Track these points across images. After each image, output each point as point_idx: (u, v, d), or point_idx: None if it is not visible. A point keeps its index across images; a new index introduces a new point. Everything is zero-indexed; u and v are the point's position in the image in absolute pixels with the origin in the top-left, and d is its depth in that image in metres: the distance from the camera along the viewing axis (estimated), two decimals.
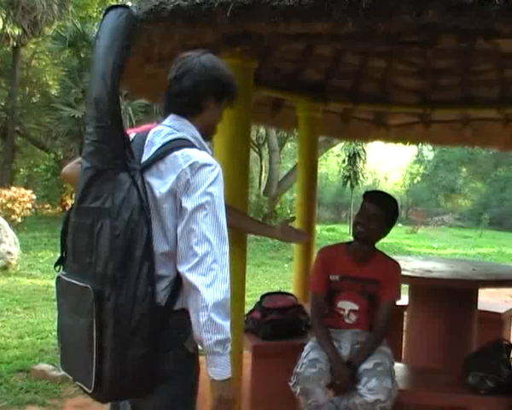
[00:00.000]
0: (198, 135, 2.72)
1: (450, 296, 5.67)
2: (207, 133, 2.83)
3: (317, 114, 7.38)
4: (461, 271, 6.22)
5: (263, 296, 5.75)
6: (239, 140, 4.55)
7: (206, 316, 2.40)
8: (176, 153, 2.56)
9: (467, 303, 5.93)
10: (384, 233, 4.54)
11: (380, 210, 4.42)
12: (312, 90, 7.21)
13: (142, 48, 4.31)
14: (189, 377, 2.70)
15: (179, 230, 2.51)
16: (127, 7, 2.62)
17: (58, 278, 2.67)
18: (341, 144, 27.68)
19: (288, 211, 24.37)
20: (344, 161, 30.77)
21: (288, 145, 30.36)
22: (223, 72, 2.80)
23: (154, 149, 2.64)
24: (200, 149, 2.65)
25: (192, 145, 2.63)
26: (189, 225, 2.48)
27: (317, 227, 21.89)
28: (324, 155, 30.03)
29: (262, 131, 25.01)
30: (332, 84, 7.34)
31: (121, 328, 2.39)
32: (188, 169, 2.51)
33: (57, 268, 2.75)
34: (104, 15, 2.66)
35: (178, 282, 2.55)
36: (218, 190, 2.54)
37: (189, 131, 2.69)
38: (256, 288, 11.92)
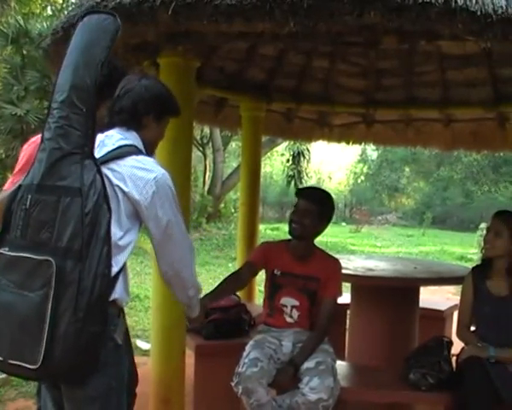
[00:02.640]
0: (143, 148, 2.91)
1: (392, 294, 5.71)
2: (150, 148, 3.02)
3: (261, 114, 7.39)
4: (403, 269, 6.28)
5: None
6: (181, 139, 4.54)
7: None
8: (134, 157, 2.77)
9: (408, 301, 5.99)
10: (320, 229, 4.55)
11: (312, 205, 4.43)
12: (256, 89, 7.22)
13: None
14: (120, 369, 2.78)
15: (159, 237, 2.83)
16: (113, 14, 2.76)
17: None
18: (285, 144, 27.68)
19: (232, 210, 24.37)
20: (288, 161, 30.82)
21: (233, 144, 30.29)
22: (162, 92, 3.06)
23: (106, 149, 2.78)
24: None
25: (143, 154, 2.84)
26: (165, 230, 2.81)
27: (262, 226, 21.99)
28: (269, 154, 30.01)
29: (206, 130, 24.88)
30: (275, 83, 7.36)
31: (82, 302, 2.44)
32: (153, 184, 2.73)
33: None
34: (83, 17, 2.78)
35: (117, 275, 2.67)
36: (175, 196, 2.85)
37: (135, 141, 2.89)
38: None
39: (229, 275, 4.70)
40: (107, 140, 2.82)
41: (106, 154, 2.74)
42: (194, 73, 4.76)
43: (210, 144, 25.81)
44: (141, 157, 2.78)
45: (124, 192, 2.68)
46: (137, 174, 2.70)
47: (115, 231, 2.63)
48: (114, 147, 2.78)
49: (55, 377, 2.68)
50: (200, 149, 26.61)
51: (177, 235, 2.86)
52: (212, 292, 4.34)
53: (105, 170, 2.66)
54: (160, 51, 4.54)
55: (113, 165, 2.70)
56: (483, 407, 4.08)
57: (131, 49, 4.56)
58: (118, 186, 2.67)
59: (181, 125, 4.47)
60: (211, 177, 25.57)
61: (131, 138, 2.87)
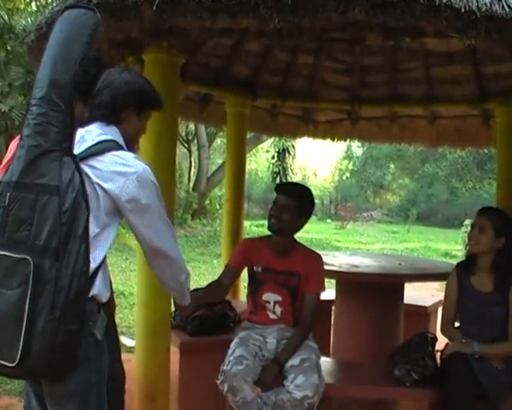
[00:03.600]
0: (123, 143, 2.89)
1: (377, 291, 5.73)
2: (130, 142, 3.02)
3: (246, 110, 7.39)
4: (387, 265, 6.30)
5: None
6: (165, 135, 4.53)
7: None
8: (114, 152, 2.75)
9: (393, 297, 6.00)
10: (300, 224, 4.55)
11: (291, 200, 4.42)
12: (241, 85, 7.22)
13: None
14: (100, 364, 2.78)
15: (143, 228, 2.82)
16: (92, 9, 2.76)
17: None
18: (271, 140, 27.75)
19: (217, 207, 24.35)
20: (273, 157, 30.95)
21: (218, 141, 30.26)
22: (142, 85, 3.05)
23: (86, 145, 2.76)
24: None
25: (123, 149, 2.82)
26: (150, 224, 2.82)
27: (247, 223, 21.99)
28: (254, 150, 30.05)
29: (191, 126, 24.87)
30: (260, 80, 7.36)
31: (59, 300, 2.44)
32: (135, 180, 2.72)
33: None
34: (63, 11, 2.77)
35: (97, 271, 2.67)
36: (158, 190, 2.85)
37: (115, 136, 2.87)
38: None
39: (210, 283, 4.73)
40: (87, 135, 2.81)
41: (85, 150, 2.73)
42: (179, 69, 4.74)
43: (195, 141, 25.78)
44: (120, 152, 2.77)
45: (104, 189, 2.67)
46: (117, 170, 2.68)
47: (92, 228, 2.62)
48: (94, 143, 2.77)
49: (34, 375, 2.69)
50: (186, 145, 26.60)
51: (161, 224, 2.87)
52: (197, 291, 4.34)
53: (85, 167, 2.65)
54: (144, 47, 4.53)
55: (92, 161, 2.69)
56: (467, 402, 4.09)
57: (116, 46, 4.55)
58: (97, 184, 2.66)
59: (165, 121, 4.47)
60: (196, 173, 25.55)
61: (111, 133, 2.86)
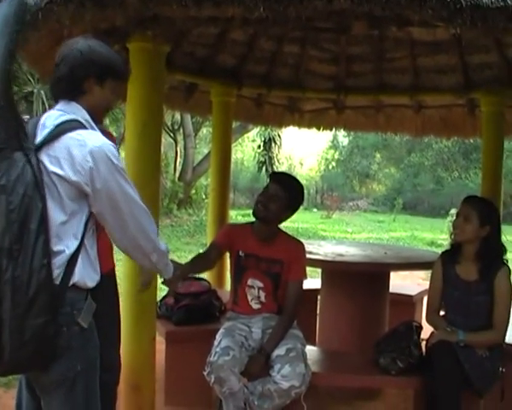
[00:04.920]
0: (88, 117, 2.80)
1: (363, 280, 5.74)
2: (97, 115, 2.93)
3: (231, 99, 7.38)
4: (373, 254, 6.31)
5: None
6: (150, 124, 4.50)
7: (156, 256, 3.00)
8: (69, 134, 2.65)
9: (379, 286, 6.02)
10: (284, 217, 4.54)
11: (282, 191, 4.41)
12: (226, 74, 7.20)
13: (52, 30, 4.20)
14: (87, 352, 2.75)
15: (107, 208, 2.72)
16: None
17: None
18: (257, 130, 27.69)
19: (203, 196, 24.32)
20: (259, 147, 30.87)
21: (204, 130, 30.18)
22: (100, 53, 2.87)
23: (46, 132, 2.69)
24: (91, 129, 2.76)
25: (83, 126, 2.73)
26: (108, 205, 2.72)
27: (233, 212, 21.97)
28: (240, 140, 30.04)
29: (177, 116, 24.79)
30: (246, 69, 7.34)
31: (19, 298, 2.46)
32: (89, 157, 2.62)
33: None
34: None
35: (74, 258, 2.64)
36: (117, 168, 2.72)
37: (79, 113, 2.78)
38: None
39: (196, 256, 4.68)
40: (48, 121, 2.74)
41: (44, 137, 2.67)
42: (164, 57, 4.72)
43: (181, 130, 25.73)
44: (76, 132, 2.66)
45: (60, 177, 2.61)
46: (72, 153, 2.61)
47: (57, 217, 2.60)
48: (53, 127, 2.70)
49: (14, 371, 2.72)
50: (171, 135, 26.54)
51: (123, 204, 2.75)
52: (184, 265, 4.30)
53: (42, 156, 2.62)
54: (129, 36, 4.50)
55: (49, 149, 2.63)
56: (452, 390, 4.12)
57: (100, 35, 4.51)
58: (53, 172, 2.61)
59: (150, 110, 4.46)
60: (182, 163, 25.50)
61: (73, 111, 2.77)
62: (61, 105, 2.81)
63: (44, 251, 2.51)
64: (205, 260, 4.61)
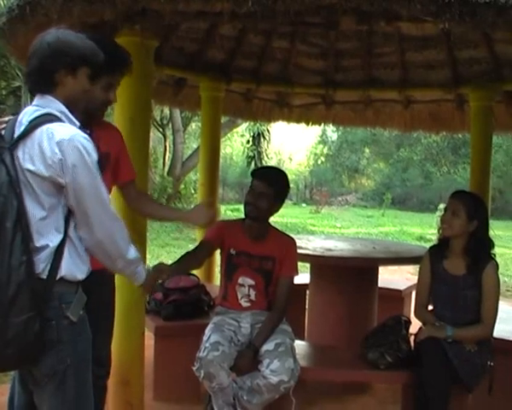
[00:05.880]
0: (64, 109, 2.77)
1: (351, 274, 5.75)
2: (76, 106, 2.86)
3: (220, 94, 7.37)
4: (361, 249, 6.31)
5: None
6: (139, 119, 4.48)
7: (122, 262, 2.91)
8: (40, 128, 2.63)
9: (367, 281, 6.03)
10: (275, 209, 4.54)
11: (267, 187, 4.40)
12: (215, 69, 7.19)
13: (40, 24, 4.18)
14: (77, 346, 2.75)
15: (74, 202, 2.67)
16: None
17: None
18: (246, 125, 27.68)
19: (192, 191, 24.29)
20: (248, 142, 30.88)
21: (193, 125, 30.10)
22: (71, 44, 2.80)
23: (22, 128, 2.68)
24: (67, 122, 2.73)
25: (57, 119, 2.69)
26: (75, 199, 2.66)
27: (222, 207, 21.91)
28: (229, 135, 29.97)
29: (166, 111, 24.73)
30: (235, 63, 7.33)
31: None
32: (56, 149, 2.59)
33: None
34: None
35: (59, 252, 2.64)
36: (87, 161, 2.66)
37: (53, 106, 2.75)
38: None
39: (186, 253, 4.61)
40: (24, 118, 2.73)
41: (19, 134, 2.67)
42: (153, 52, 4.71)
43: (170, 125, 25.66)
44: (47, 126, 2.63)
45: (33, 173, 2.60)
46: (42, 147, 2.59)
47: (36, 213, 2.60)
48: (27, 124, 2.69)
49: (1, 369, 2.78)
50: (160, 130, 26.47)
51: (90, 202, 2.70)
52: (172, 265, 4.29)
53: (19, 153, 2.62)
54: (117, 31, 4.48)
55: (24, 145, 2.63)
56: (440, 385, 4.13)
57: (88, 29, 4.50)
58: (27, 169, 2.61)
59: (139, 105, 4.45)
60: (171, 158, 25.44)
61: (47, 105, 2.74)
62: (36, 100, 2.79)
63: (22, 249, 2.52)
64: (194, 258, 4.56)
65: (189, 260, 4.51)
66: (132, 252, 2.96)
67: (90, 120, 3.44)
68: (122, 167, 3.93)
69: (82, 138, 2.67)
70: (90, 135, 3.22)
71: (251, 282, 4.53)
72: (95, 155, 2.72)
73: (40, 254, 2.59)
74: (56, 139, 2.59)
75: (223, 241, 4.58)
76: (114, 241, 2.83)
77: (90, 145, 2.70)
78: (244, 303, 4.55)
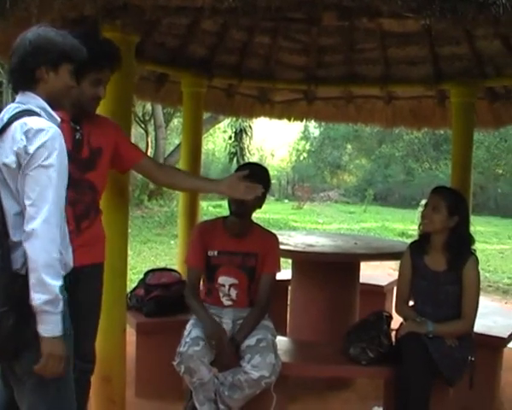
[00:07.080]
0: (45, 105, 2.80)
1: (333, 270, 5.76)
2: (58, 102, 2.91)
3: (202, 90, 7.34)
4: (343, 245, 6.33)
5: (146, 273, 5.72)
6: (120, 115, 4.45)
7: (37, 276, 2.53)
8: (16, 123, 2.67)
9: (349, 276, 6.05)
10: (260, 203, 4.53)
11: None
12: (197, 65, 7.16)
13: (21, 19, 4.16)
14: None
15: (22, 191, 2.63)
16: None
17: None
18: (228, 121, 27.68)
19: None
20: (230, 138, 30.88)
21: (175, 121, 30.05)
22: (52, 41, 2.84)
23: (1, 125, 2.73)
24: (47, 117, 2.75)
25: (36, 115, 2.71)
26: (26, 189, 2.60)
27: (204, 204, 21.95)
28: (211, 131, 29.91)
29: (148, 107, 24.69)
30: (217, 59, 7.30)
31: None
32: (23, 136, 2.60)
33: None
34: None
35: None
36: (53, 153, 2.62)
37: (34, 102, 2.78)
38: (142, 265, 11.82)
39: (194, 298, 4.55)
40: (6, 115, 2.76)
41: None
42: (134, 47, 4.68)
43: (152, 121, 25.62)
44: (23, 119, 2.66)
45: (7, 166, 2.63)
46: (15, 137, 2.63)
47: (11, 208, 2.64)
48: (7, 119, 2.72)
49: None
50: (142, 125, 26.41)
51: (35, 194, 2.59)
52: (207, 314, 4.41)
53: None
54: (98, 26, 4.46)
55: (1, 142, 2.67)
56: (422, 380, 4.15)
57: (69, 24, 4.47)
58: (3, 163, 2.63)
59: (120, 100, 4.43)
60: (153, 154, 25.35)
61: (27, 101, 2.78)
62: (18, 97, 2.82)
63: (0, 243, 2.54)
64: (199, 290, 4.65)
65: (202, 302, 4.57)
66: (57, 283, 2.60)
67: (82, 115, 3.49)
68: (125, 155, 3.96)
69: (53, 132, 2.66)
70: (80, 131, 3.26)
71: (233, 281, 4.53)
72: (62, 152, 2.68)
73: (18, 250, 2.59)
74: (26, 128, 2.61)
75: (205, 244, 4.55)
76: (38, 251, 2.54)
77: (59, 141, 2.68)
78: (226, 302, 4.56)
